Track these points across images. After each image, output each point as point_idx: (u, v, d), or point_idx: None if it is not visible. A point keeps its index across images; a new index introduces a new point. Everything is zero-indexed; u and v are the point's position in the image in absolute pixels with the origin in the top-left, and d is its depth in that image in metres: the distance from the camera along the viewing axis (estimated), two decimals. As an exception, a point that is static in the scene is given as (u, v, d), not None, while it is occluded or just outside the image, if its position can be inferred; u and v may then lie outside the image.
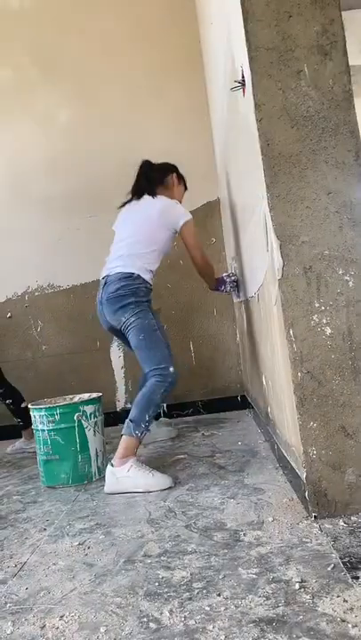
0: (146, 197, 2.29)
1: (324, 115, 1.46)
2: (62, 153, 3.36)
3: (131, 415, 2.00)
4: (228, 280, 2.56)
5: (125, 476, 1.90)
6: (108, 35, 3.34)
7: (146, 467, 1.94)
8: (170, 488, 1.87)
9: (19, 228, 3.35)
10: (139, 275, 2.16)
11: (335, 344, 1.45)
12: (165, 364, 2.05)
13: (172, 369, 2.06)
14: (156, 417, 2.91)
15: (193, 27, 3.29)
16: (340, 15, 1.48)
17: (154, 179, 2.34)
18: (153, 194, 2.29)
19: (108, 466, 1.95)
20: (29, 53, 3.38)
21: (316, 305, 1.46)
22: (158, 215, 2.23)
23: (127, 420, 2.00)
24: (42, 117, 3.39)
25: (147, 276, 2.19)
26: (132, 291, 2.13)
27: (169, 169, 2.41)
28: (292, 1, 1.46)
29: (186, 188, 2.50)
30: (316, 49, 1.45)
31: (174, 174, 2.41)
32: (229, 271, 2.81)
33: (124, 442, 1.97)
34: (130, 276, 2.15)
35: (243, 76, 1.60)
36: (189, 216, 2.26)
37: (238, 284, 2.60)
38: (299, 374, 1.46)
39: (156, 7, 3.33)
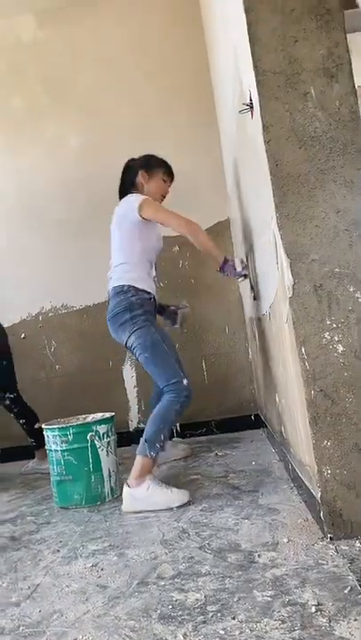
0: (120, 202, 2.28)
1: (332, 135, 1.48)
2: (74, 177, 3.41)
3: (145, 434, 1.98)
4: (233, 264, 2.21)
5: (146, 495, 1.90)
6: (117, 60, 3.42)
7: (163, 484, 1.95)
8: (184, 506, 1.87)
9: (33, 251, 3.41)
10: (130, 286, 2.12)
11: (348, 362, 1.44)
12: (176, 378, 2.01)
13: (185, 382, 2.01)
14: (170, 437, 2.89)
15: (201, 51, 3.36)
16: (345, 38, 1.51)
17: (125, 182, 2.35)
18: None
19: (125, 487, 1.94)
20: (41, 82, 3.47)
21: (328, 322, 1.46)
22: (121, 219, 2.20)
23: (142, 440, 1.98)
24: (54, 143, 3.46)
25: (141, 285, 2.14)
26: (125, 306, 2.09)
27: (135, 168, 2.32)
28: (297, 26, 1.49)
29: (171, 178, 2.38)
30: (322, 71, 1.48)
31: (142, 171, 2.31)
32: (242, 265, 2.27)
33: (139, 462, 1.96)
34: (121, 289, 2.12)
35: (251, 99, 1.63)
36: (142, 197, 2.16)
37: (248, 275, 2.28)
38: (312, 392, 1.45)
39: (165, 32, 3.40)
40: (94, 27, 3.45)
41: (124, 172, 2.38)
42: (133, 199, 2.17)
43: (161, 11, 3.41)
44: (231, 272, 2.21)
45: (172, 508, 1.86)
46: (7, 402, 2.80)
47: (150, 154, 2.39)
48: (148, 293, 2.17)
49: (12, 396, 2.81)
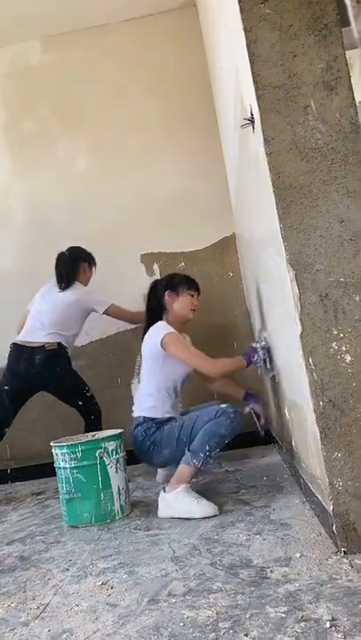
0: None
1: (333, 146, 1.49)
2: (83, 198, 3.46)
3: (191, 445, 2.06)
4: (257, 346, 2.31)
5: (173, 501, 1.99)
6: (124, 84, 3.49)
7: (194, 494, 2.00)
8: (196, 521, 1.86)
9: (43, 271, 3.42)
10: (145, 417, 2.27)
11: (356, 371, 1.43)
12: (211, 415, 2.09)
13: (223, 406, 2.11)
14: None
15: (204, 73, 3.41)
16: (344, 52, 1.52)
17: (153, 302, 2.47)
18: None
19: (161, 492, 2.06)
20: (50, 105, 3.55)
21: (335, 332, 1.45)
22: (147, 351, 2.34)
23: (186, 450, 2.06)
24: (63, 165, 3.52)
25: (155, 414, 2.26)
26: (143, 435, 2.24)
27: (161, 289, 2.44)
28: (295, 42, 1.52)
29: (197, 291, 2.49)
30: (321, 85, 1.50)
31: (168, 291, 2.42)
32: (259, 342, 2.38)
33: (180, 470, 2.05)
34: (139, 421, 2.30)
35: (251, 114, 1.65)
36: (166, 330, 2.26)
37: (270, 353, 2.29)
38: (320, 403, 1.44)
39: (169, 56, 3.47)
40: (100, 51, 3.53)
41: (150, 293, 2.49)
42: (159, 332, 2.27)
43: (166, 37, 3.48)
44: (256, 354, 2.28)
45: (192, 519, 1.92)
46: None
47: (172, 273, 2.55)
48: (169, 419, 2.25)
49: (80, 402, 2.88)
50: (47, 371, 2.78)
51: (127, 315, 3.00)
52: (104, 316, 2.95)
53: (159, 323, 2.33)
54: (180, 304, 2.41)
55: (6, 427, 2.83)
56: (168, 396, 2.28)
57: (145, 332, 2.39)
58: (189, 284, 2.46)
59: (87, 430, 2.75)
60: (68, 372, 2.87)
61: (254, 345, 2.33)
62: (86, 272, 3.02)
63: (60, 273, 2.94)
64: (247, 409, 2.48)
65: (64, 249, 3.02)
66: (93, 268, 3.06)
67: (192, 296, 2.44)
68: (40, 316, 2.87)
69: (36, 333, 2.82)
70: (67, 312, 2.87)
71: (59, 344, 2.82)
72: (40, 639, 1.20)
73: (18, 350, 2.81)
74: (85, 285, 3.00)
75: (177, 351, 2.22)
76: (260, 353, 2.28)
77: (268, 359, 2.29)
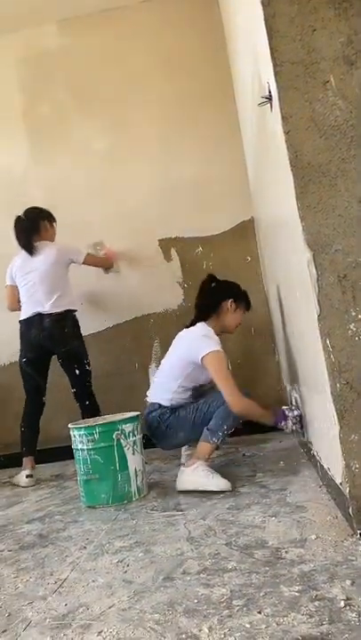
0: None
1: (353, 123, 1.45)
2: (99, 183, 3.46)
3: (209, 424, 2.15)
4: (289, 415, 2.23)
5: (191, 475, 2.09)
6: (141, 66, 3.46)
7: (209, 469, 2.10)
8: (213, 502, 1.89)
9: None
10: (166, 406, 2.36)
11: (374, 353, 1.41)
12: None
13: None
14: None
15: (223, 55, 3.36)
16: (365, 26, 1.48)
17: (207, 299, 2.45)
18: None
19: (181, 467, 2.19)
20: (66, 89, 3.54)
21: (353, 314, 1.43)
22: (184, 349, 2.35)
23: (205, 429, 2.15)
24: (79, 149, 3.51)
25: (178, 402, 2.33)
26: (165, 423, 2.34)
27: (223, 293, 2.42)
28: (315, 15, 1.47)
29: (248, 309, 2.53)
30: (341, 59, 1.46)
31: (231, 300, 2.40)
32: (291, 409, 2.27)
33: (200, 447, 2.15)
34: (157, 407, 2.37)
35: (269, 91, 1.62)
36: (213, 346, 2.22)
37: (302, 420, 2.22)
38: (338, 385, 1.42)
39: (187, 38, 3.43)
40: (116, 34, 3.50)
41: (204, 288, 2.46)
42: (204, 344, 2.22)
43: (183, 17, 3.43)
44: (284, 421, 2.23)
45: (207, 493, 2.01)
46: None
47: (233, 282, 2.49)
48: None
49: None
50: (56, 331, 2.81)
51: (100, 261, 3.18)
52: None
53: (205, 329, 2.30)
54: (234, 318, 2.42)
55: (43, 396, 2.93)
56: (186, 391, 2.33)
57: (189, 324, 2.40)
58: (248, 303, 2.49)
59: (84, 415, 2.79)
60: (75, 334, 2.89)
61: (287, 412, 2.24)
62: (48, 230, 2.98)
63: (23, 238, 2.88)
64: (284, 427, 2.25)
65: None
66: (54, 224, 3.02)
67: (243, 313, 2.49)
68: (33, 290, 2.86)
69: (39, 307, 2.84)
70: (55, 274, 2.86)
71: (65, 310, 2.87)
72: (57, 612, 1.23)
73: (27, 322, 2.86)
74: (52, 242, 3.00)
75: (215, 372, 2.18)
76: (290, 423, 2.22)
77: (297, 428, 2.23)
